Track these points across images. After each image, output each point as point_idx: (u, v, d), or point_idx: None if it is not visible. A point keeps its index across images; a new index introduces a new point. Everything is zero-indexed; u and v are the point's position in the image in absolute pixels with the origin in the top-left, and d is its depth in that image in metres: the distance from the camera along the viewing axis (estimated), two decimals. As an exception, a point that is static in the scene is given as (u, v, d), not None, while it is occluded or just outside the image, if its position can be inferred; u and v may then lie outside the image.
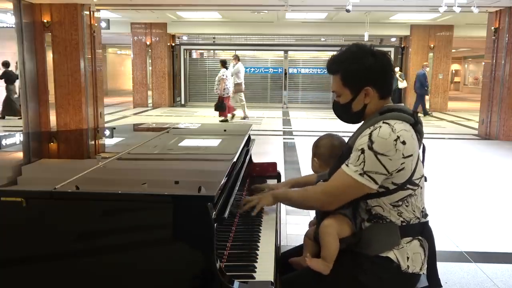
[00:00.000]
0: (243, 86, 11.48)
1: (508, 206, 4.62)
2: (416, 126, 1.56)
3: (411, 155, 1.49)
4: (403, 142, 1.47)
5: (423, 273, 1.59)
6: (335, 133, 1.95)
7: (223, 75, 10.72)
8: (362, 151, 1.48)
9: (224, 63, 10.94)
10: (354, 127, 1.75)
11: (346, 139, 1.77)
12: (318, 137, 1.95)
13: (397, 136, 1.47)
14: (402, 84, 13.64)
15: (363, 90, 1.58)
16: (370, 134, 1.49)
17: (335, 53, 1.65)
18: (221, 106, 10.79)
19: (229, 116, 11.17)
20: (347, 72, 1.59)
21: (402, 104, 1.66)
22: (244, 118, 11.51)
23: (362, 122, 1.71)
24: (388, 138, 1.46)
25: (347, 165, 1.52)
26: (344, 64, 1.60)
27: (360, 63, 1.57)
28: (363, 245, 1.56)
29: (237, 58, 11.50)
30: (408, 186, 1.52)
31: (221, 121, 10.80)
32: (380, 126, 1.50)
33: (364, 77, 1.57)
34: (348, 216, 1.60)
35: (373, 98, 1.59)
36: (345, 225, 1.59)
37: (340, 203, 1.57)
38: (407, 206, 1.54)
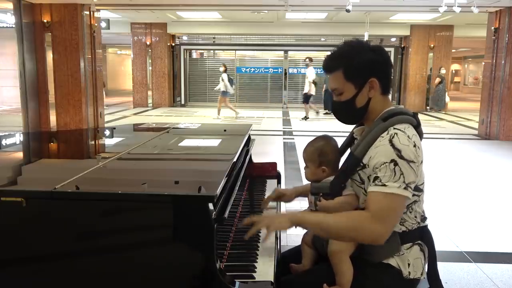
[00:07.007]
0: None
1: (508, 206, 4.62)
2: (418, 128, 1.53)
3: (422, 161, 1.47)
4: (418, 148, 1.44)
5: (424, 278, 1.57)
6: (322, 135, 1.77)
7: None
8: (395, 163, 1.39)
9: None
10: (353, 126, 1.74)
11: (339, 140, 1.75)
12: (312, 145, 1.70)
13: (414, 142, 1.44)
14: None
15: (368, 82, 1.53)
16: (392, 143, 1.42)
17: (329, 52, 1.60)
18: None
19: None
20: (350, 66, 1.53)
21: (402, 106, 1.63)
22: None
23: (357, 124, 1.68)
24: (409, 145, 1.42)
25: (384, 185, 1.39)
26: (345, 58, 1.54)
27: (363, 55, 1.52)
28: (363, 252, 1.54)
29: None
30: (415, 192, 1.48)
31: None
32: (396, 133, 1.44)
33: (368, 69, 1.53)
34: None
35: (376, 91, 1.54)
36: (351, 244, 1.53)
37: (392, 229, 1.44)
38: (410, 212, 1.52)
